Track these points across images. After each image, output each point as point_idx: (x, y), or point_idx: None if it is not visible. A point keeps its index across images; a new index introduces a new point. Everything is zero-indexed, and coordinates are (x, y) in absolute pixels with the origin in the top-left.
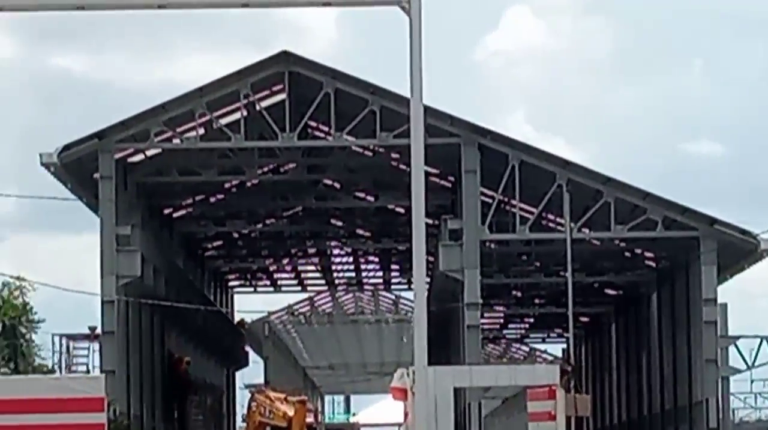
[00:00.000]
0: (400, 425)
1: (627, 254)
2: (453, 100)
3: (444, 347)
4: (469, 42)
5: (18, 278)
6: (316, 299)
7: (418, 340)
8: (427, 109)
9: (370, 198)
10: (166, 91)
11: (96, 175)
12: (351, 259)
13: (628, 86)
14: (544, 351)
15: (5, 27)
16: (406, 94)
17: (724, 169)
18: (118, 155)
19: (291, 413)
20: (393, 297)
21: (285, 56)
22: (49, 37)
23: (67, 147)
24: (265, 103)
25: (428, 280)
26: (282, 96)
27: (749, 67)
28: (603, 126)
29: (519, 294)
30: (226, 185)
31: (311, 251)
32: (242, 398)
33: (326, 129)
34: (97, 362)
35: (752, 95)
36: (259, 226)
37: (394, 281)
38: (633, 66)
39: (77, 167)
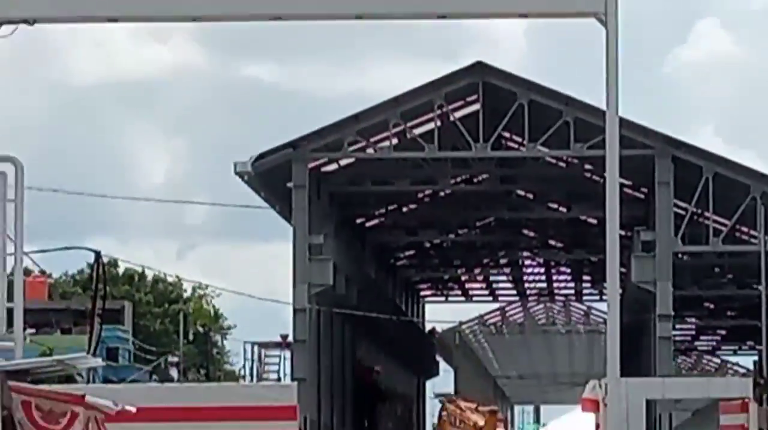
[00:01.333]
0: None
1: None
2: (643, 112)
3: (635, 359)
4: (659, 54)
5: (199, 286)
6: (507, 309)
7: (611, 351)
8: (622, 121)
9: (563, 209)
10: (357, 100)
11: (289, 185)
12: (543, 269)
13: None
14: (736, 363)
15: (197, 38)
16: (599, 104)
17: None
18: (311, 165)
19: (481, 422)
20: (584, 308)
21: (479, 67)
22: (240, 47)
23: (261, 156)
24: (458, 114)
25: (620, 291)
26: (476, 107)
27: None
28: None
29: (711, 306)
30: (419, 195)
31: (503, 261)
32: (432, 407)
33: (519, 140)
34: (288, 370)
35: None
36: (451, 236)
37: (585, 292)
38: None
39: (270, 176)
